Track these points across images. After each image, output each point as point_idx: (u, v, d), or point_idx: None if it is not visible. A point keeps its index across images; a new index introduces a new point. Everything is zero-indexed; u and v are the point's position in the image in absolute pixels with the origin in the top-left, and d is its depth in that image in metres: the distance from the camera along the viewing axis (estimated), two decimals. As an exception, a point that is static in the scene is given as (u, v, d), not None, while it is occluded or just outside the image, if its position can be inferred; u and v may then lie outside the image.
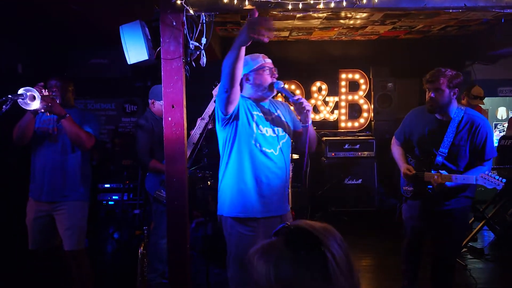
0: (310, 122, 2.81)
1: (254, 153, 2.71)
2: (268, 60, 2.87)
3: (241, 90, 2.84)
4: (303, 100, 2.76)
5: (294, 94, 2.82)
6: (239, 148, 2.71)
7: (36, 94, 2.91)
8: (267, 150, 2.73)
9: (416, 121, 3.28)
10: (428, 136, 3.15)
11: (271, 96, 2.90)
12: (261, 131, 2.73)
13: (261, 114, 2.79)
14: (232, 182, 2.74)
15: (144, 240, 3.33)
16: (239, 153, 2.71)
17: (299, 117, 2.87)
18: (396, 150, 3.40)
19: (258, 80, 2.80)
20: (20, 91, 2.80)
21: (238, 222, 2.71)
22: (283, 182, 2.82)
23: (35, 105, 2.92)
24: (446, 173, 3.03)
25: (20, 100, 2.84)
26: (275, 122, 2.84)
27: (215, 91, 3.78)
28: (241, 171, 2.71)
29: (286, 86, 2.93)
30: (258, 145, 2.71)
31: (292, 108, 3.00)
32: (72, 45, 6.73)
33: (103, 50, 6.82)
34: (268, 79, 2.79)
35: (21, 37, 5.83)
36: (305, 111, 2.75)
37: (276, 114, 2.89)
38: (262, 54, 2.90)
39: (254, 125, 2.73)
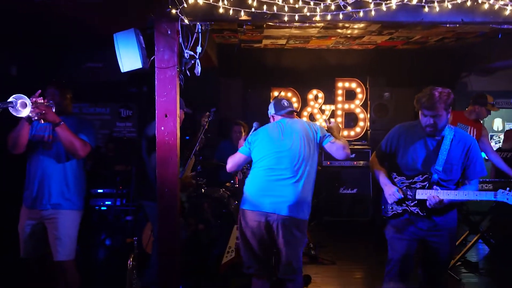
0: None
1: None
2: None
3: None
4: None
5: None
6: None
7: (27, 101, 2.86)
8: None
9: (404, 139, 3.15)
10: (421, 155, 3.08)
11: None
12: None
13: None
14: None
15: (134, 251, 3.28)
16: None
17: None
18: (379, 169, 3.26)
19: None
20: (10, 98, 2.74)
21: None
22: None
23: (25, 112, 2.86)
24: (443, 190, 2.99)
25: (10, 107, 2.79)
26: None
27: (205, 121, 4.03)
28: None
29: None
30: None
31: None
32: (67, 48, 6.68)
33: (98, 54, 6.78)
34: None
35: (16, 40, 5.78)
36: None
37: None
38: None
39: None
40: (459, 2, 3.15)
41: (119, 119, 7.18)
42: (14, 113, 2.84)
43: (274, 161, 3.17)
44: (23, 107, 2.83)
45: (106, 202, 6.46)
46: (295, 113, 3.47)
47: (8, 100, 2.74)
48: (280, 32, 5.60)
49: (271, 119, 3.43)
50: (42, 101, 3.05)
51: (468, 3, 3.17)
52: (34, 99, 2.96)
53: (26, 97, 2.87)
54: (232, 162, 3.39)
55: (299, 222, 3.13)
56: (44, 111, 3.03)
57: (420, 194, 3.03)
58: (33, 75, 6.06)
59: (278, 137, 3.23)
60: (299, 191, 3.12)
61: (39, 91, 3.10)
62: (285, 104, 3.38)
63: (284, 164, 3.14)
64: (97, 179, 6.34)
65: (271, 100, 6.87)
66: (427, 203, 2.98)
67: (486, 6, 3.19)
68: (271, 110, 3.42)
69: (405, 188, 3.10)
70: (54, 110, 3.15)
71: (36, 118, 3.02)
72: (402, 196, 3.06)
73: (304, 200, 3.14)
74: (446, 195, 2.96)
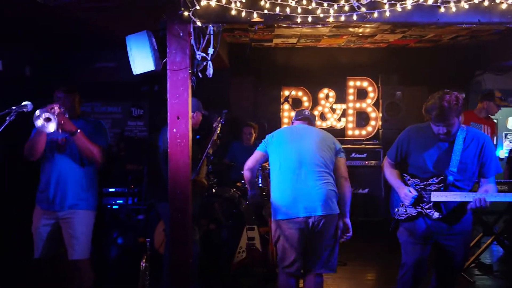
0: None
1: None
2: None
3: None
4: None
5: None
6: None
7: (52, 117, 2.98)
8: None
9: (414, 142, 3.11)
10: (433, 157, 3.03)
11: None
12: None
13: None
14: None
15: (146, 253, 3.29)
16: None
17: None
18: (391, 172, 3.23)
19: None
20: (24, 102, 2.77)
21: None
22: None
23: (51, 127, 3.00)
24: (460, 192, 2.95)
25: (38, 124, 2.96)
26: None
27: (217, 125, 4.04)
28: None
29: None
30: None
31: None
32: (79, 48, 6.71)
33: (110, 54, 6.79)
34: None
35: (28, 40, 5.81)
36: None
37: None
38: None
39: None
40: (476, 2, 3.08)
41: (131, 118, 7.20)
42: (42, 130, 3.01)
43: (296, 164, 3.21)
44: (47, 121, 2.98)
45: (118, 201, 6.50)
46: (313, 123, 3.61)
47: (23, 104, 2.76)
48: (291, 31, 5.56)
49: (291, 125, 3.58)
50: (58, 110, 3.10)
51: (486, 3, 3.11)
52: (54, 110, 3.02)
53: (50, 113, 2.96)
54: (250, 160, 3.48)
55: (334, 217, 3.21)
56: (63, 121, 3.09)
57: (435, 196, 2.98)
58: (46, 75, 6.10)
59: (294, 138, 3.32)
60: (326, 188, 3.18)
61: (58, 103, 3.15)
62: (305, 112, 3.59)
63: (306, 166, 3.20)
64: (109, 178, 6.38)
65: (281, 100, 6.89)
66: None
67: (504, 6, 3.12)
68: (294, 118, 3.63)
69: (419, 190, 3.06)
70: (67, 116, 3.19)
71: (55, 128, 3.09)
72: (417, 194, 3.02)
73: (332, 193, 3.21)
74: (463, 197, 2.92)
